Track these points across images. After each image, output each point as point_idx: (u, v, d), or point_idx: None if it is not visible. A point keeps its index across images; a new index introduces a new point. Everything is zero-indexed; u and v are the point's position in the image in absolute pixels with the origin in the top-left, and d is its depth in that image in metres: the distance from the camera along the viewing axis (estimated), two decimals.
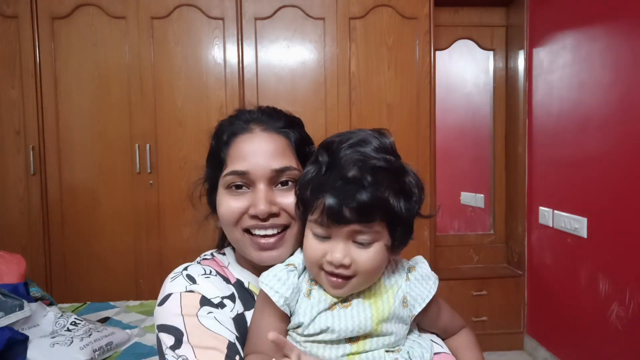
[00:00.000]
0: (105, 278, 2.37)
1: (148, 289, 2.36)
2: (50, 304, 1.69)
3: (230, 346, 0.65)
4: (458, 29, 2.77)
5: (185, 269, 0.75)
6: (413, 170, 0.68)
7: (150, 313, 1.79)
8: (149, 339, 1.57)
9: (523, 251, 2.66)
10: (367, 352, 0.65)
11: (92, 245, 2.36)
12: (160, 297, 0.72)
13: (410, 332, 0.71)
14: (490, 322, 2.64)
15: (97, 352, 1.40)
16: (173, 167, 2.37)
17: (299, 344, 0.65)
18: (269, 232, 0.72)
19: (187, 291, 0.70)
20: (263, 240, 0.72)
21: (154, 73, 2.35)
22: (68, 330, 1.45)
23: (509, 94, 2.78)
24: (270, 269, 0.69)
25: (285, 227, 0.73)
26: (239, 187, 0.73)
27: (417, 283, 0.70)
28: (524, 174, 2.64)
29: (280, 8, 2.38)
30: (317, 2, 2.39)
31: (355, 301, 0.66)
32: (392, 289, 0.68)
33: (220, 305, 0.71)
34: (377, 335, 0.65)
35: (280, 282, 0.66)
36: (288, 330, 0.67)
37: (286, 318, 0.67)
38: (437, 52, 2.62)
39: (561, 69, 2.30)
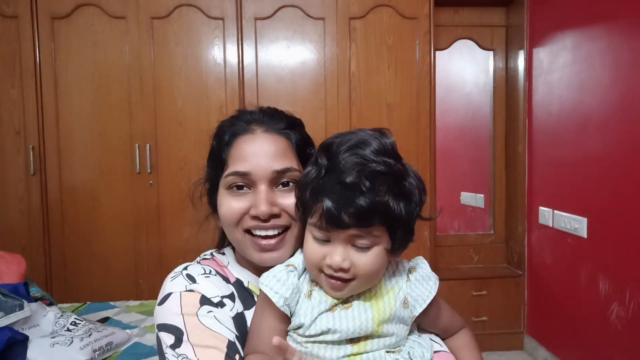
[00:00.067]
0: (105, 278, 2.37)
1: (148, 289, 2.36)
2: (50, 304, 1.69)
3: (230, 345, 0.65)
4: (458, 29, 2.77)
5: (185, 268, 0.75)
6: (414, 171, 0.67)
7: (150, 313, 1.78)
8: (149, 339, 1.57)
9: (523, 251, 2.66)
10: (368, 352, 0.65)
11: (92, 245, 2.36)
12: (160, 296, 0.72)
13: (410, 332, 0.71)
14: (490, 322, 2.64)
15: (97, 352, 1.40)
16: (173, 167, 2.37)
17: (299, 345, 0.65)
18: (270, 232, 0.73)
19: (187, 290, 0.70)
20: (264, 242, 0.73)
21: (154, 73, 2.35)
22: (68, 330, 1.45)
23: (509, 94, 2.78)
24: (270, 270, 0.69)
25: (286, 228, 0.74)
26: (240, 187, 0.73)
27: (417, 284, 0.70)
28: (524, 174, 2.64)
29: (280, 8, 2.38)
30: (317, 2, 2.39)
31: (355, 302, 0.66)
32: (392, 290, 0.68)
33: (220, 304, 0.71)
34: (378, 336, 0.65)
35: (280, 282, 0.66)
36: (288, 331, 0.67)
37: (286, 319, 0.67)
38: (437, 52, 2.62)
39: (561, 69, 2.30)
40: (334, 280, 0.63)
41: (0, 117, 2.30)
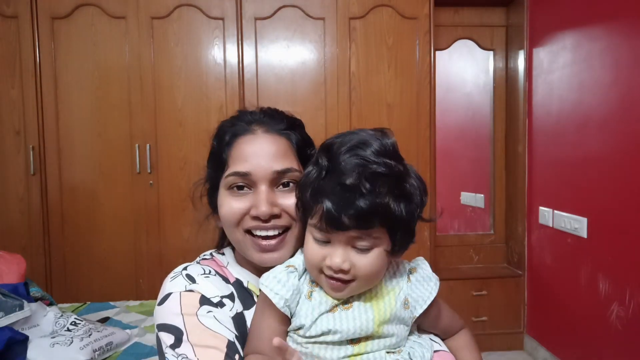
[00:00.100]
0: (105, 278, 2.37)
1: (148, 289, 2.36)
2: (50, 304, 1.69)
3: (230, 345, 0.65)
4: (458, 29, 2.77)
5: (185, 268, 0.75)
6: (416, 171, 0.67)
7: (150, 313, 1.78)
8: (149, 339, 1.57)
9: (523, 251, 2.66)
10: (368, 353, 0.65)
11: (92, 245, 2.36)
12: (160, 296, 0.72)
13: (410, 333, 0.71)
14: (490, 322, 2.64)
15: (97, 352, 1.40)
16: (173, 167, 2.37)
17: (300, 345, 0.65)
18: (270, 233, 0.73)
19: (186, 290, 0.70)
20: (264, 242, 0.73)
21: (154, 73, 2.35)
22: (68, 330, 1.45)
23: (509, 94, 2.78)
24: (271, 271, 0.69)
25: (286, 229, 0.74)
26: (240, 188, 0.73)
27: (418, 285, 0.70)
28: (524, 174, 2.64)
29: (280, 8, 2.38)
30: (317, 2, 2.39)
31: (356, 303, 0.66)
32: (393, 291, 0.68)
33: (220, 304, 0.71)
34: (379, 337, 0.65)
35: (280, 284, 0.66)
36: (289, 332, 0.67)
37: (286, 320, 0.67)
38: (437, 52, 2.62)
39: (561, 69, 2.30)
40: (334, 281, 0.63)
41: (0, 117, 2.30)
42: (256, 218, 0.72)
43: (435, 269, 0.76)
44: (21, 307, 1.42)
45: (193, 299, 0.69)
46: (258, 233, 0.73)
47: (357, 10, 2.41)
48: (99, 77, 2.34)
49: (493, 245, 2.85)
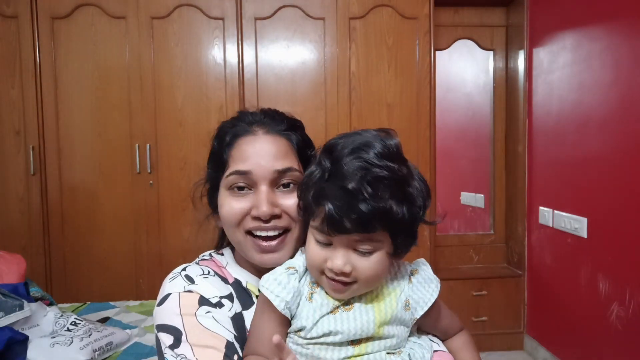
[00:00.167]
0: (105, 278, 2.37)
1: (148, 289, 2.36)
2: (50, 304, 1.69)
3: (229, 345, 0.65)
4: (458, 29, 2.77)
5: (184, 269, 0.75)
6: (419, 173, 0.67)
7: (150, 313, 1.78)
8: (149, 339, 1.57)
9: (523, 251, 2.66)
10: (368, 354, 0.65)
11: (92, 246, 2.37)
12: (159, 297, 0.72)
13: (410, 334, 0.71)
14: (490, 322, 2.64)
15: (97, 352, 1.40)
16: (173, 167, 2.37)
17: (300, 346, 0.65)
18: (271, 233, 0.73)
19: (185, 291, 0.70)
20: (264, 243, 0.73)
21: (154, 73, 2.35)
22: (68, 330, 1.46)
23: (509, 94, 2.78)
24: (271, 272, 0.68)
25: (286, 230, 0.74)
26: (241, 188, 0.74)
27: (419, 286, 0.70)
28: (524, 174, 2.64)
29: (280, 8, 2.38)
30: (317, 2, 2.39)
31: (357, 304, 0.66)
32: (394, 292, 0.68)
33: (219, 304, 0.71)
34: (379, 338, 0.65)
35: (280, 286, 0.66)
36: (289, 333, 0.67)
37: (286, 321, 0.67)
38: (437, 52, 2.62)
39: (561, 69, 2.30)
40: (336, 283, 0.64)
41: (0, 117, 2.30)
42: (257, 218, 0.72)
43: (435, 269, 0.76)
44: (21, 307, 1.42)
45: (192, 300, 0.69)
46: (258, 233, 0.73)
47: (357, 10, 2.41)
48: (99, 77, 2.34)
49: (493, 245, 2.85)
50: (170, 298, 0.70)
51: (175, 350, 0.64)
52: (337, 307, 0.65)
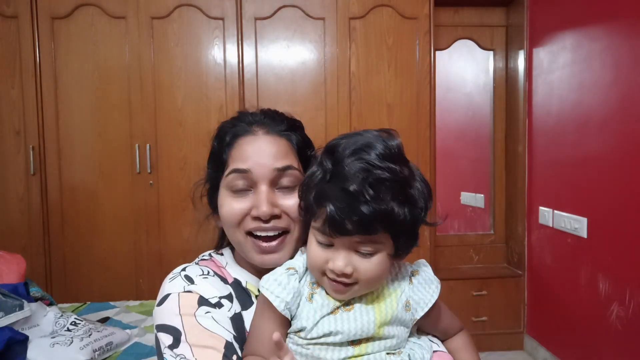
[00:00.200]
0: (105, 278, 2.37)
1: (148, 289, 2.36)
2: (50, 304, 1.69)
3: (228, 345, 0.65)
4: (458, 29, 2.77)
5: (184, 269, 0.75)
6: (421, 174, 0.66)
7: (150, 313, 1.78)
8: (149, 339, 1.57)
9: (523, 251, 2.66)
10: (369, 354, 0.65)
11: (92, 245, 2.37)
12: (159, 297, 0.72)
13: (410, 334, 0.72)
14: (490, 322, 2.64)
15: (97, 352, 1.40)
16: (173, 167, 2.37)
17: (300, 347, 0.66)
18: (270, 233, 0.73)
19: (185, 291, 0.70)
20: (265, 244, 0.73)
21: (154, 73, 2.35)
22: (68, 330, 1.46)
23: (509, 94, 2.78)
24: (271, 273, 0.68)
25: (286, 231, 0.74)
26: (241, 190, 0.73)
27: (420, 287, 0.70)
28: (524, 174, 2.64)
29: (280, 8, 2.38)
30: (317, 2, 2.39)
31: (357, 305, 0.66)
32: (395, 293, 0.68)
33: (218, 305, 0.71)
34: (379, 339, 0.65)
35: (281, 286, 0.66)
36: (288, 334, 0.67)
37: (286, 322, 0.67)
38: (437, 52, 2.62)
39: (561, 69, 2.30)
40: (337, 284, 0.64)
41: (0, 117, 2.30)
42: (257, 218, 0.72)
43: (435, 269, 0.76)
44: (21, 307, 1.42)
45: (191, 300, 0.69)
46: (258, 233, 0.73)
47: (357, 10, 2.41)
48: (99, 77, 2.34)
49: (493, 245, 2.85)
50: (169, 298, 0.70)
51: (175, 350, 0.64)
52: (338, 307, 0.65)
